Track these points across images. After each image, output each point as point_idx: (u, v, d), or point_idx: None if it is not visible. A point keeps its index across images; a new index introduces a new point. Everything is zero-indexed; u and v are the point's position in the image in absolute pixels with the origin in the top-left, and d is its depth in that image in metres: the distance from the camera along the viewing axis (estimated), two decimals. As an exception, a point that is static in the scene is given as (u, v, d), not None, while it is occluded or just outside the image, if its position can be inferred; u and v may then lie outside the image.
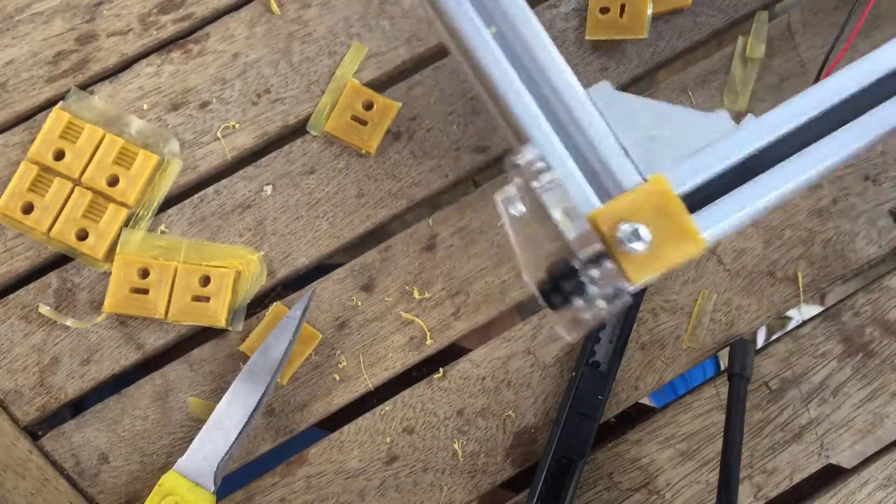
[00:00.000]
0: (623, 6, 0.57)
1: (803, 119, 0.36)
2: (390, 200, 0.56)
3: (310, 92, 0.58)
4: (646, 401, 0.55)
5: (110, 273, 0.54)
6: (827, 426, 0.53)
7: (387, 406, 0.54)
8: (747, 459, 0.53)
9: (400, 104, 0.57)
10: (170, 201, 0.56)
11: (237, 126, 0.57)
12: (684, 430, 0.53)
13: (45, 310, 0.54)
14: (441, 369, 0.54)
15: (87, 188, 0.55)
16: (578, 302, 0.34)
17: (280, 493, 0.53)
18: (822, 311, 0.55)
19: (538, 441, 0.53)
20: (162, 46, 0.58)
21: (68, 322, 0.54)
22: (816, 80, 0.45)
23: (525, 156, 0.36)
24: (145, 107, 0.57)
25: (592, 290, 0.34)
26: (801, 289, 0.55)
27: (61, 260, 0.55)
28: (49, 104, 0.57)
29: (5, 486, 0.52)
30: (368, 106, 0.57)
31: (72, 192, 0.55)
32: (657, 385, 0.54)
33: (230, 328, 0.54)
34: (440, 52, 0.58)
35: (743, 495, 0.52)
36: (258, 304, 0.55)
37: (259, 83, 0.58)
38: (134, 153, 0.56)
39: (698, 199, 0.35)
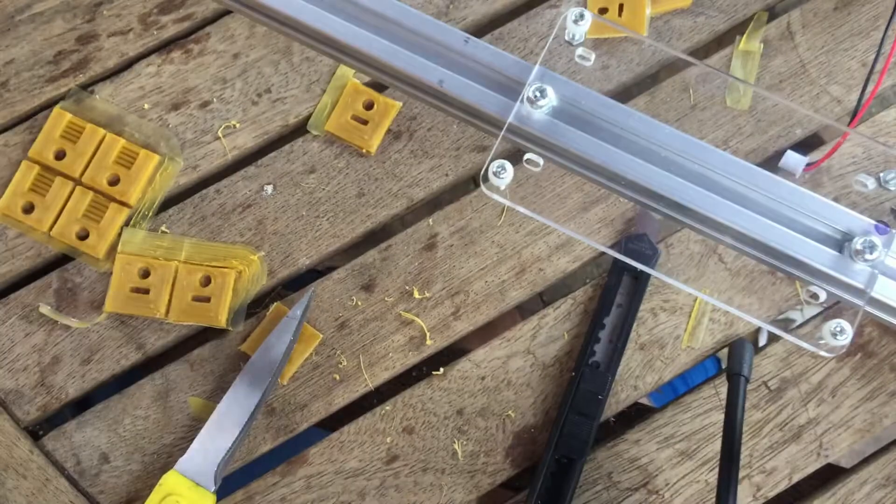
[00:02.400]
0: (621, 6, 0.57)
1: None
2: (390, 200, 0.56)
3: (310, 91, 0.58)
4: (645, 400, 0.55)
5: (111, 273, 0.54)
6: (826, 426, 0.53)
7: (387, 406, 0.54)
8: (746, 459, 0.53)
9: (400, 104, 0.57)
10: (170, 201, 0.57)
11: (238, 125, 0.57)
12: (684, 430, 0.53)
13: (45, 309, 0.54)
14: (441, 369, 0.54)
15: (87, 188, 0.55)
16: None
17: (280, 493, 0.53)
18: (822, 311, 0.55)
19: (538, 441, 0.53)
20: (162, 46, 0.58)
21: (69, 322, 0.54)
22: (853, 119, 0.44)
23: None
24: (146, 106, 0.57)
25: None
26: (800, 288, 0.55)
27: (62, 260, 0.55)
28: (50, 104, 0.57)
29: (6, 486, 0.52)
30: (369, 105, 0.57)
31: (72, 191, 0.55)
32: (657, 385, 0.54)
33: (230, 328, 0.54)
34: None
35: (742, 495, 0.52)
36: (258, 304, 0.55)
37: (260, 83, 0.58)
38: (135, 153, 0.56)
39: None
